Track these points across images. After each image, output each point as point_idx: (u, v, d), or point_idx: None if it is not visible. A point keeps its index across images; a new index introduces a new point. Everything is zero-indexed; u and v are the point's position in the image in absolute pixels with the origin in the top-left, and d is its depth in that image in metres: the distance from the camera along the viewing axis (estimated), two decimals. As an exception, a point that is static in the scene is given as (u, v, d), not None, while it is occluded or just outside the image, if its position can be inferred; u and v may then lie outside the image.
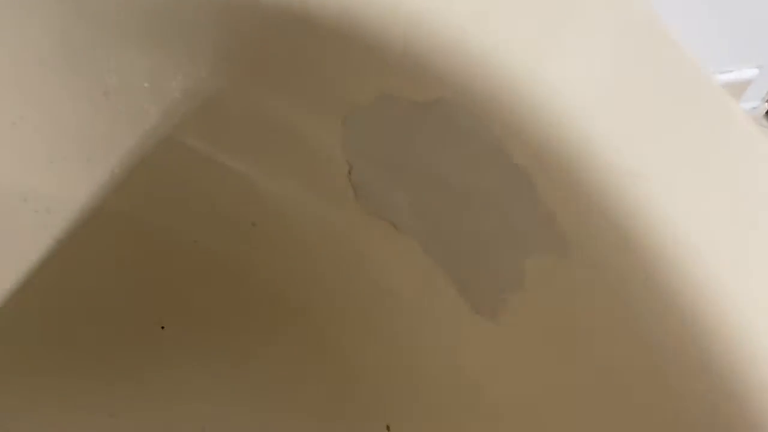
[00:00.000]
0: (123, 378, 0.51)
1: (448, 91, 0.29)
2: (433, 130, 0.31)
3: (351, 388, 0.47)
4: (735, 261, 0.24)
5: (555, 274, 0.27)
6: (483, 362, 0.34)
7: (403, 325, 0.40)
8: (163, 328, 0.51)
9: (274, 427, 0.49)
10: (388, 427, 0.45)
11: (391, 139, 0.34)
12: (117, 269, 0.47)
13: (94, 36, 0.35)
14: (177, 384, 0.52)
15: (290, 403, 0.50)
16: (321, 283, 0.44)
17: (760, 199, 0.26)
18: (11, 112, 0.38)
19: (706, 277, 0.24)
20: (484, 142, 0.28)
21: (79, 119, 0.38)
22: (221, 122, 0.38)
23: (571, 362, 0.29)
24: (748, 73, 1.01)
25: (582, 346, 0.28)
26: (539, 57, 0.27)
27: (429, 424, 0.42)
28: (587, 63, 0.27)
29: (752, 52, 0.98)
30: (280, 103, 0.36)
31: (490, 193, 0.28)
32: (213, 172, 0.41)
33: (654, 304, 0.25)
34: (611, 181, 0.25)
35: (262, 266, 0.47)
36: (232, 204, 0.44)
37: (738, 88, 1.04)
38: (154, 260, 0.47)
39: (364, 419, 0.47)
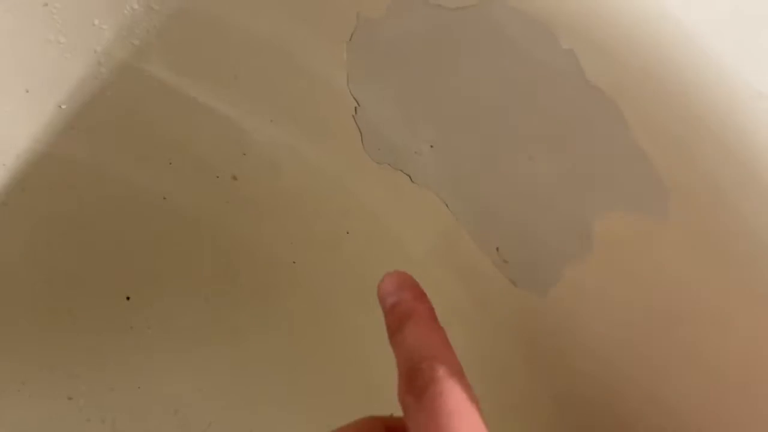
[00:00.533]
0: (83, 357, 0.45)
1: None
2: (470, 45, 0.23)
3: (337, 346, 0.41)
4: None
5: (641, 238, 0.20)
6: (522, 341, 0.27)
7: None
8: (128, 298, 0.44)
9: (253, 409, 0.42)
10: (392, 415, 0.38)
11: (409, 63, 0.26)
12: (68, 229, 0.39)
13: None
14: (145, 363, 0.45)
15: (271, 378, 0.43)
16: (314, 246, 0.37)
17: None
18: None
19: None
20: (546, 59, 0.21)
21: (12, 38, 0.30)
22: (193, 45, 0.30)
23: (645, 345, 0.22)
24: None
25: (663, 329, 0.21)
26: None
27: None
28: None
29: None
30: (269, 16, 0.28)
31: (552, 129, 0.21)
32: (184, 111, 0.34)
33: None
34: (731, 109, 0.18)
35: (242, 227, 0.39)
36: (209, 152, 0.36)
37: None
38: (113, 218, 0.40)
39: (359, 403, 0.41)
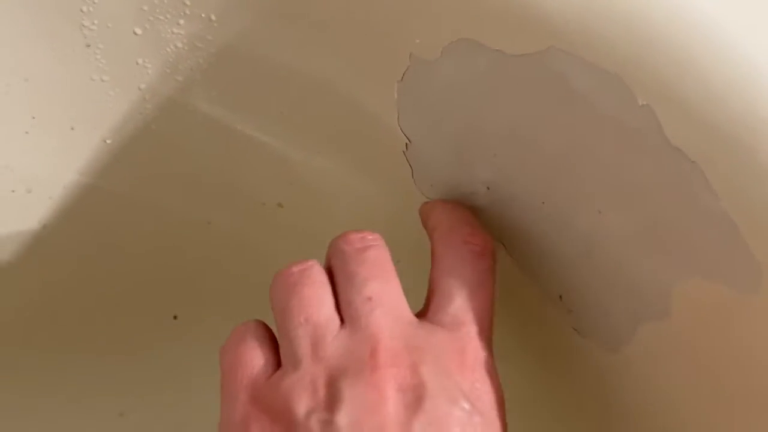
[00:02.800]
0: (133, 374, 0.45)
1: (561, 39, 0.20)
2: (533, 92, 0.22)
3: None
4: None
5: (725, 310, 0.18)
6: (585, 394, 0.26)
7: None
8: (175, 318, 0.44)
9: None
10: None
11: (464, 104, 0.25)
12: (114, 257, 0.39)
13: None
14: (191, 379, 0.45)
15: None
16: None
17: None
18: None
19: None
20: (619, 114, 0.19)
21: (56, 78, 0.29)
22: (238, 82, 0.29)
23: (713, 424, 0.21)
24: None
25: (739, 411, 0.20)
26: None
27: None
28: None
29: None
30: (316, 54, 0.27)
31: (624, 186, 0.20)
32: (230, 143, 0.33)
33: None
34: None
35: (286, 255, 0.39)
36: (254, 181, 0.36)
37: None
38: (157, 245, 0.39)
39: None
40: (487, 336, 0.21)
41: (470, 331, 0.21)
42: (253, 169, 0.35)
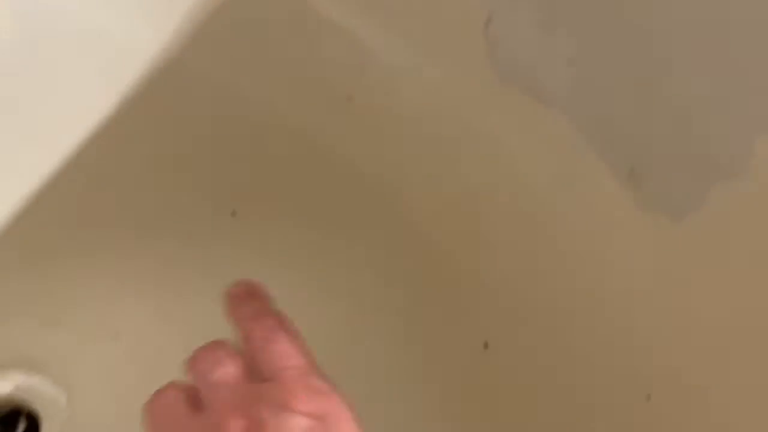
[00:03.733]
0: (186, 271, 0.47)
1: None
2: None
3: (444, 292, 0.42)
4: None
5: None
6: (645, 270, 0.27)
7: (530, 227, 0.32)
8: (233, 214, 0.46)
9: (355, 328, 0.44)
10: (486, 345, 0.39)
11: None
12: (184, 141, 0.41)
13: None
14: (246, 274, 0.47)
15: (373, 303, 0.44)
16: (427, 169, 0.37)
17: None
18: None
19: None
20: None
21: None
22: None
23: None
24: None
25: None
26: None
27: (531, 343, 0.36)
28: None
29: None
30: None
31: (711, 46, 0.20)
32: (305, 25, 0.34)
33: None
34: None
35: (353, 148, 0.40)
36: (326, 70, 0.37)
37: None
38: (225, 132, 0.41)
39: (459, 332, 0.41)
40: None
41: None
42: (326, 56, 0.36)
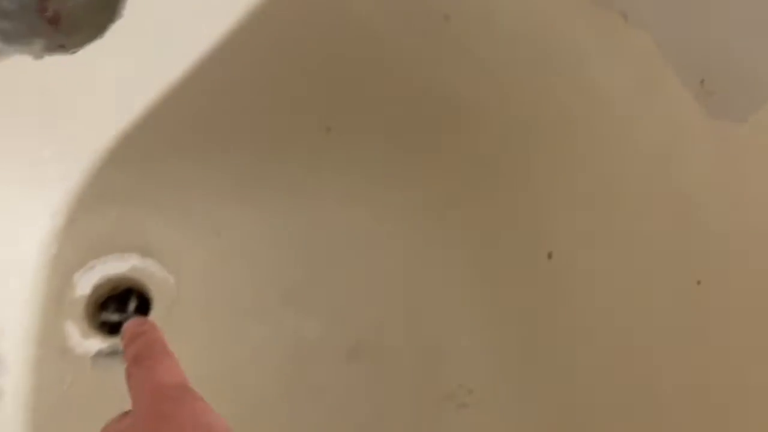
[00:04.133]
0: (285, 179, 0.51)
1: None
2: None
3: (514, 210, 0.45)
4: None
5: None
6: (707, 173, 0.29)
7: (608, 137, 0.35)
8: (329, 130, 0.49)
9: (430, 234, 0.48)
10: (549, 255, 0.42)
11: None
12: (290, 58, 0.44)
13: None
14: (338, 193, 0.51)
15: (446, 221, 0.48)
16: (517, 87, 0.40)
17: None
18: None
19: None
20: None
21: None
22: None
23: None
24: None
25: None
26: None
27: (592, 251, 0.39)
28: None
29: None
30: None
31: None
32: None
33: None
34: None
35: (448, 68, 0.43)
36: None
37: None
38: (326, 46, 0.44)
39: (523, 245, 0.44)
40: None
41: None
42: None
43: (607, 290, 0.36)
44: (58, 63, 0.36)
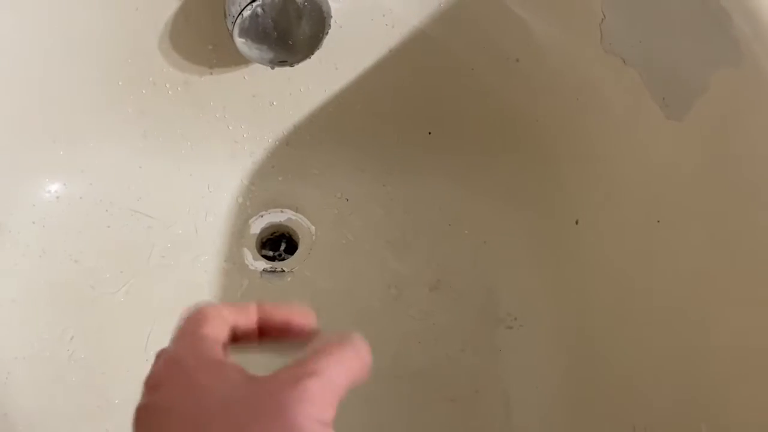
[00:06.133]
0: (397, 163, 0.67)
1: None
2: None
3: (560, 192, 0.61)
4: None
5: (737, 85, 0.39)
6: (668, 157, 0.48)
7: (610, 137, 0.54)
8: (430, 133, 0.66)
9: (503, 216, 0.64)
10: (576, 221, 0.58)
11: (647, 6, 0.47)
12: (402, 78, 0.61)
13: None
14: (435, 175, 0.67)
15: (514, 202, 0.64)
16: (560, 110, 0.58)
17: None
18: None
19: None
20: None
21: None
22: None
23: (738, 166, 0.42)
24: None
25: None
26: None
27: (616, 219, 0.54)
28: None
29: None
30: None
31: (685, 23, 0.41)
32: (491, 6, 0.56)
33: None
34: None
35: (520, 97, 0.60)
36: (503, 38, 0.59)
37: None
38: (435, 75, 0.61)
39: (559, 215, 0.61)
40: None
41: None
42: (502, 29, 0.56)
43: (619, 248, 0.54)
44: (271, 75, 0.58)
